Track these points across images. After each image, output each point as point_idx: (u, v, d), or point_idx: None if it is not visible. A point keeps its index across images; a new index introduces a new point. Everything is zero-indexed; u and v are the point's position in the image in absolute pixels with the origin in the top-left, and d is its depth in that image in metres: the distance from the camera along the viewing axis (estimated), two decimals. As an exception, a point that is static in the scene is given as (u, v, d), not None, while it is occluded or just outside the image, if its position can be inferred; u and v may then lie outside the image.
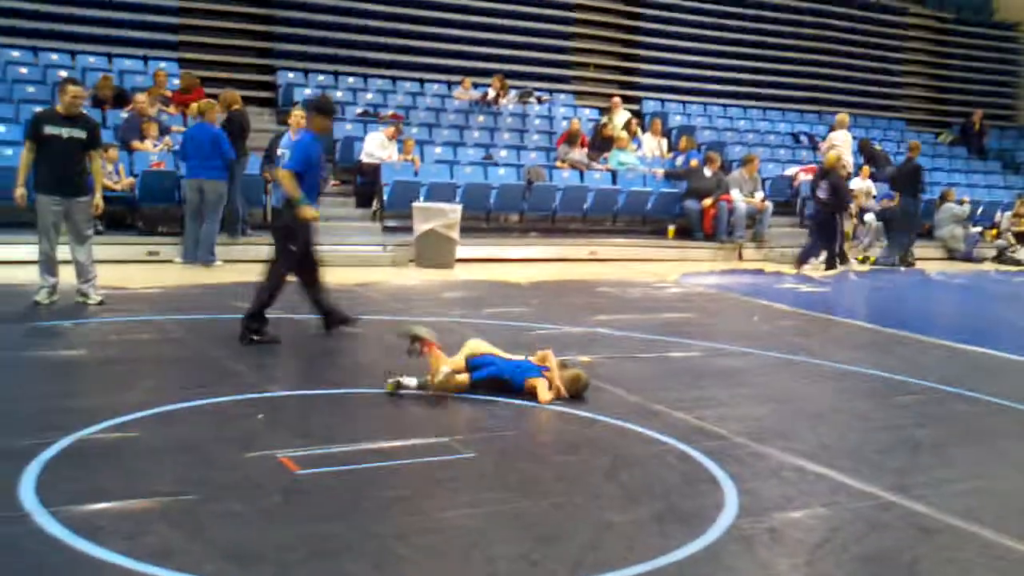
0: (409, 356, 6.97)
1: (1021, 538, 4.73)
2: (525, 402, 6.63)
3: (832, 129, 20.53)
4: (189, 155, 12.85)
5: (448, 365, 6.78)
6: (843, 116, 20.37)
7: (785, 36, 24.73)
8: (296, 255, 8.36)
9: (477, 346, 7.00)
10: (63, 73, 15.51)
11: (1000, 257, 19.77)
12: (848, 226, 17.18)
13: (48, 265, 9.46)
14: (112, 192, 12.44)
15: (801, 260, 16.26)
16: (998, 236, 20.29)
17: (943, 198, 19.85)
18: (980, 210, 20.35)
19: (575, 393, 6.82)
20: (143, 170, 13.74)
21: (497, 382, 6.83)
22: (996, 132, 26.57)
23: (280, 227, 8.49)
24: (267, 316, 8.28)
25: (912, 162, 18.34)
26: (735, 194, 17.74)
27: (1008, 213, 20.50)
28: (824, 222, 16.46)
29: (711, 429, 6.28)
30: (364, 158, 16.00)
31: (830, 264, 16.34)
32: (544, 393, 6.69)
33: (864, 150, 20.85)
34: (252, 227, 13.93)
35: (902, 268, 17.44)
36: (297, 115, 12.83)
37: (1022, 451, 6.32)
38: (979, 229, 20.10)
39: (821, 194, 16.56)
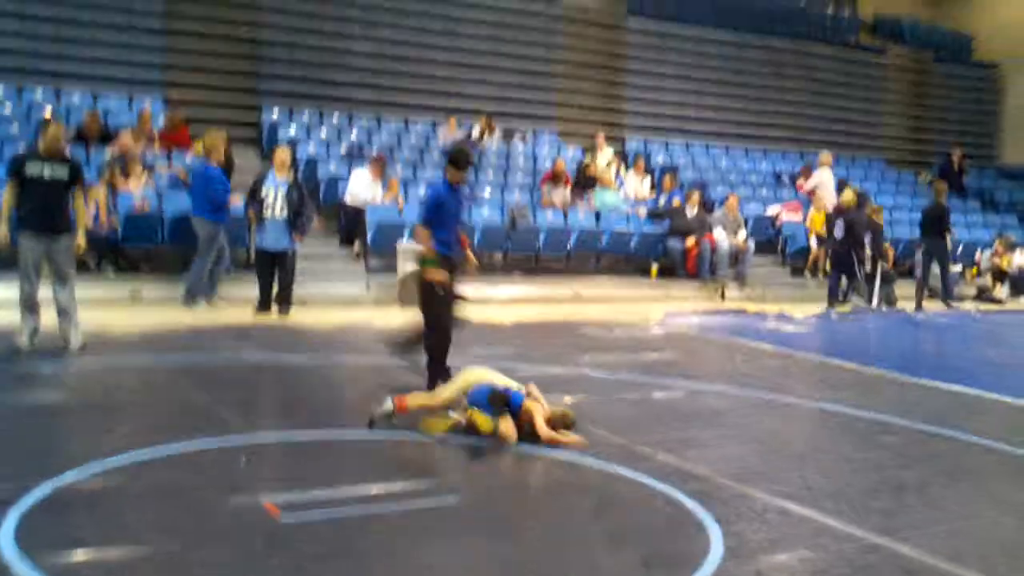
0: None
1: (1005, 581, 4.74)
2: (506, 448, 6.61)
3: (807, 174, 20.71)
4: (191, 192, 13.00)
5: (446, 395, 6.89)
6: (826, 155, 20.62)
7: (767, 76, 24.98)
8: (446, 301, 8.26)
9: (475, 375, 6.98)
10: (48, 111, 15.54)
11: (980, 296, 19.88)
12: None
13: (30, 306, 9.40)
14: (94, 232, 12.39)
15: (831, 299, 16.92)
16: (978, 275, 20.43)
17: None
18: (960, 249, 20.46)
19: (564, 426, 6.83)
20: (126, 211, 13.72)
21: (498, 397, 6.81)
22: (976, 171, 26.85)
23: (422, 283, 8.32)
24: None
25: (940, 204, 18.47)
26: (718, 233, 17.84)
27: (988, 252, 20.64)
28: (841, 259, 17.01)
29: (696, 471, 6.28)
30: (348, 198, 16.02)
31: (869, 299, 17.11)
32: (539, 417, 6.69)
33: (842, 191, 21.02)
34: (236, 266, 13.90)
35: (884, 308, 17.50)
36: (281, 153, 12.83)
37: (1006, 491, 6.33)
38: (960, 268, 20.21)
39: (837, 233, 17.02)
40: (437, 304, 8.18)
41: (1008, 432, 7.90)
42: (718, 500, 5.69)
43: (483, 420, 6.63)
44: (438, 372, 8.09)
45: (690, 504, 5.58)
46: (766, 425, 7.86)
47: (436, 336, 8.21)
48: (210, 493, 5.39)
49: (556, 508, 5.53)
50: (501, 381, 6.97)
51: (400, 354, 8.80)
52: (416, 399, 6.92)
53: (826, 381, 10.22)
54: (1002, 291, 19.93)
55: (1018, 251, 21.15)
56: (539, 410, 6.75)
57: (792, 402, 8.77)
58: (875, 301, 17.37)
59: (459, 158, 8.39)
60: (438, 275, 8.09)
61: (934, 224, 18.21)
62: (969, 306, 18.61)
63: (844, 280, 17.32)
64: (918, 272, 18.09)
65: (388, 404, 6.76)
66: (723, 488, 5.97)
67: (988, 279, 20.21)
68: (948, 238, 18.30)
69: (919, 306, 17.55)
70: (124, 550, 4.54)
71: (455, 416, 6.85)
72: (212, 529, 4.86)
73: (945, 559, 4.95)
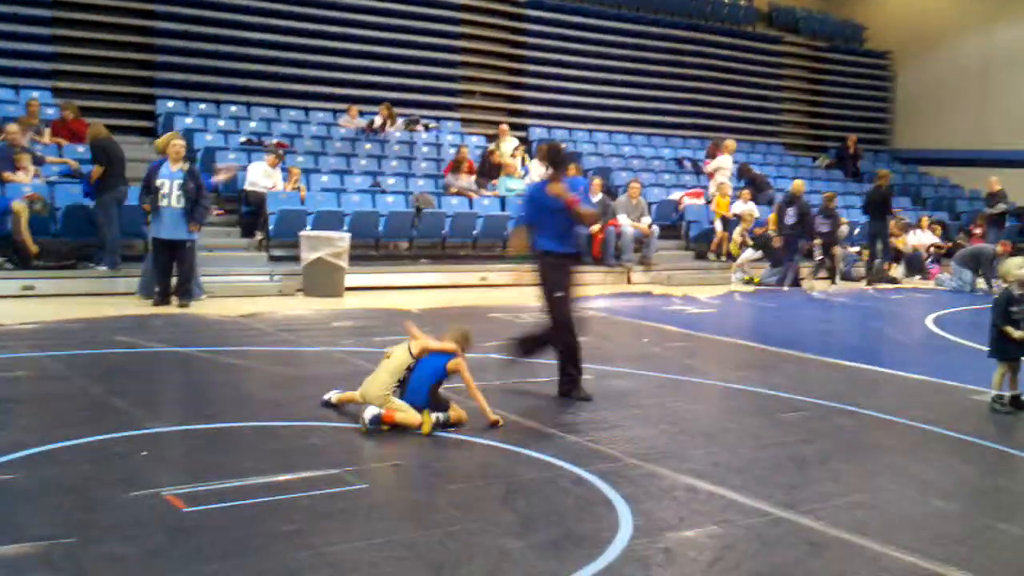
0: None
1: (907, 549, 4.84)
2: (416, 429, 6.55)
3: (713, 153, 21.14)
4: None
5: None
6: (731, 142, 21.09)
7: (667, 64, 25.29)
8: (565, 298, 8.02)
9: (379, 385, 6.85)
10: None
11: (876, 276, 20.40)
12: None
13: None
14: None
15: (781, 283, 18.02)
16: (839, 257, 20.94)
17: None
18: (856, 231, 20.98)
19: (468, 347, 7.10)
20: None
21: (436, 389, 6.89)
22: (871, 156, 27.58)
23: (539, 281, 8.05)
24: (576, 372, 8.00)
25: (882, 188, 19.90)
26: (622, 219, 17.99)
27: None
28: (788, 245, 18.17)
29: (604, 451, 6.31)
30: (248, 187, 15.75)
31: (791, 283, 18.11)
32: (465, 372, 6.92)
33: (745, 174, 21.48)
34: (129, 259, 13.55)
35: (785, 288, 17.86)
36: (176, 144, 12.52)
37: (905, 464, 6.49)
38: (856, 249, 20.71)
39: (788, 220, 18.09)
40: (557, 303, 7.95)
41: (904, 407, 8.11)
42: (627, 479, 5.73)
43: (428, 420, 6.60)
44: (572, 374, 7.91)
45: (599, 484, 5.61)
46: (673, 405, 7.93)
47: (562, 335, 7.97)
48: (109, 487, 5.23)
49: (466, 492, 5.49)
50: (395, 367, 6.85)
51: (517, 355, 8.39)
52: (400, 415, 6.70)
53: (730, 360, 10.38)
54: (898, 271, 20.47)
55: (912, 232, 21.77)
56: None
57: (698, 382, 8.88)
58: (837, 280, 18.94)
59: (551, 156, 8.20)
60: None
61: (878, 207, 19.64)
62: (866, 286, 19.12)
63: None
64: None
65: (374, 411, 6.58)
66: (632, 468, 6.01)
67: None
68: (889, 219, 19.89)
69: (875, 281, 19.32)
70: (19, 546, 4.38)
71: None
72: (112, 523, 4.71)
73: (848, 531, 5.05)
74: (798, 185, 18.72)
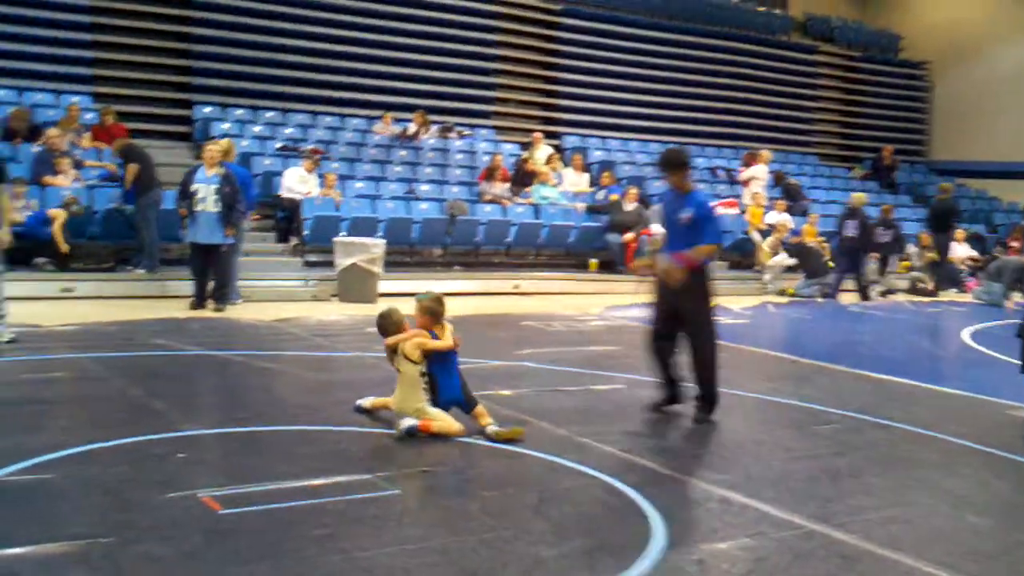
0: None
1: (941, 564, 4.81)
2: (448, 439, 6.58)
3: (749, 163, 21.10)
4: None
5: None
6: (766, 152, 21.10)
7: (701, 73, 25.27)
8: (714, 317, 7.72)
9: (415, 398, 6.84)
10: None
11: (913, 288, 20.28)
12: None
13: (-43, 303, 9.20)
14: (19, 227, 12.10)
15: (830, 295, 18.00)
16: (910, 268, 20.84)
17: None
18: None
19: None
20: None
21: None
22: (907, 167, 27.38)
23: (689, 297, 7.59)
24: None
25: (946, 202, 20.26)
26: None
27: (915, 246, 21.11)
28: (850, 257, 18.32)
29: (637, 462, 6.31)
30: (284, 193, 15.88)
31: (863, 295, 18.14)
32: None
33: (782, 184, 21.45)
34: (167, 262, 13.71)
35: (820, 300, 17.79)
36: (212, 149, 12.67)
37: (939, 479, 6.44)
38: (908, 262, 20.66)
39: (850, 232, 18.18)
40: (713, 320, 7.69)
41: (939, 421, 8.05)
42: (660, 490, 5.72)
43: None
44: (714, 393, 7.65)
45: (632, 494, 5.60)
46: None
47: (714, 352, 7.68)
48: (146, 488, 5.29)
49: (498, 499, 5.51)
50: (411, 379, 6.82)
51: (708, 411, 7.72)
52: (437, 425, 6.69)
53: (763, 372, 10.34)
54: (932, 283, 20.34)
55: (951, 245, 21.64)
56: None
57: (731, 393, 8.84)
58: (873, 294, 18.82)
59: (665, 161, 7.91)
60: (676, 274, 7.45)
61: (941, 220, 19.99)
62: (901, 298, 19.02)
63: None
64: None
65: (410, 422, 6.58)
66: (665, 479, 6.01)
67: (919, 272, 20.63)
68: (952, 233, 20.26)
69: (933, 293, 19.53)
70: (60, 546, 4.43)
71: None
72: (149, 523, 4.77)
73: (881, 545, 5.02)
74: (860, 198, 18.88)
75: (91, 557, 4.33)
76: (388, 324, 6.98)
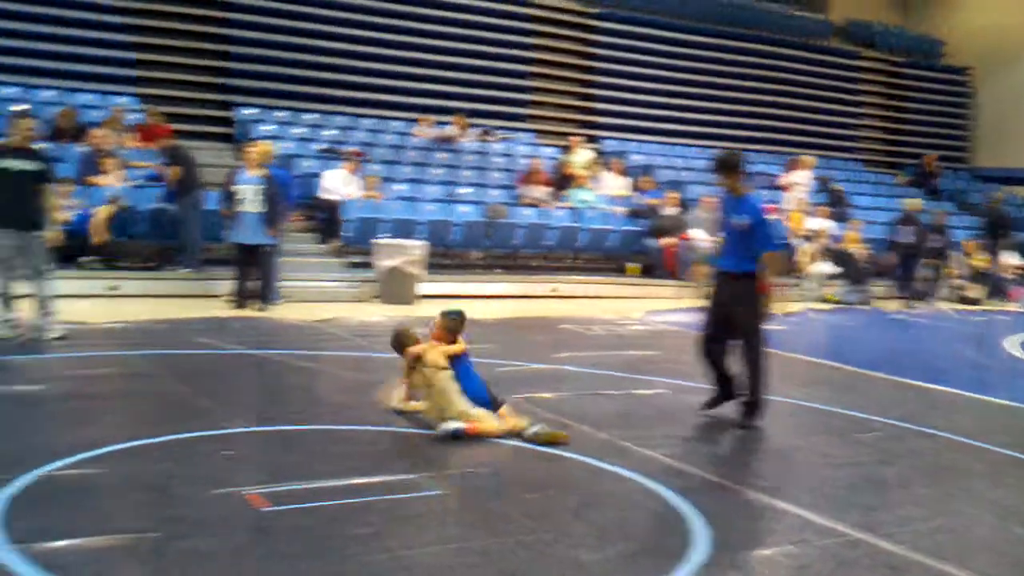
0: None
1: (985, 575, 4.77)
2: (491, 437, 6.59)
3: (792, 168, 20.99)
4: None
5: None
6: (809, 158, 21.00)
7: (741, 77, 25.16)
8: (766, 324, 7.59)
9: (453, 394, 6.86)
10: (18, 107, 15.40)
11: (957, 296, 20.08)
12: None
13: (5, 300, 9.34)
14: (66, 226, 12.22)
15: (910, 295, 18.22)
16: (954, 276, 20.63)
17: None
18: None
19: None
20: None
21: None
22: (950, 174, 27.10)
23: (742, 304, 7.54)
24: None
25: (997, 209, 20.56)
26: (695, 233, 17.90)
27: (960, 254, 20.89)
28: (903, 263, 18.46)
29: (679, 467, 6.29)
30: (324, 194, 15.98)
31: (913, 302, 18.24)
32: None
33: (828, 189, 21.38)
34: (209, 263, 13.84)
35: (862, 307, 17.66)
36: (252, 151, 12.80)
37: (983, 489, 6.38)
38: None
39: (905, 238, 18.36)
40: (762, 326, 7.57)
41: (984, 431, 7.97)
42: (702, 496, 5.70)
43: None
44: (760, 399, 7.57)
45: (674, 500, 5.59)
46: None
47: (763, 359, 7.60)
48: (193, 484, 5.35)
49: (539, 502, 5.52)
50: (445, 386, 6.85)
51: (752, 418, 7.63)
52: (483, 426, 6.72)
53: (804, 379, 10.27)
54: (976, 290, 20.13)
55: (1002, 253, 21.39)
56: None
57: (773, 399, 8.79)
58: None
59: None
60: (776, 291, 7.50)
61: (994, 227, 20.17)
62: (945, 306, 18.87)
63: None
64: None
65: (456, 425, 6.59)
66: (707, 484, 5.99)
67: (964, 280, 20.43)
68: (1003, 241, 20.36)
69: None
70: (108, 539, 4.50)
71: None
72: (195, 519, 4.82)
73: (926, 555, 4.98)
74: (915, 203, 19.02)
75: (139, 551, 4.39)
76: (406, 340, 7.03)
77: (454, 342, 7.06)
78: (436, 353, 6.89)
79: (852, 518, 5.47)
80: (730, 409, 7.76)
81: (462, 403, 6.73)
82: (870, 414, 8.30)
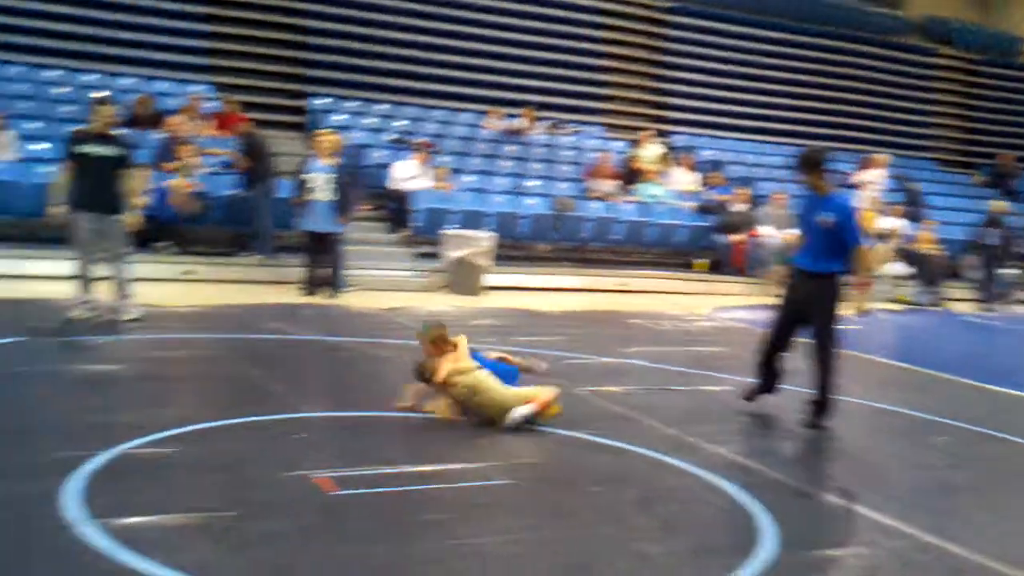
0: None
1: (1060, 582, 4.70)
2: (558, 429, 6.62)
3: (866, 167, 20.71)
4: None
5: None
6: (882, 157, 20.71)
7: (814, 74, 24.83)
8: (840, 324, 7.52)
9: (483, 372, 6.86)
10: (99, 94, 15.75)
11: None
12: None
13: (84, 282, 9.57)
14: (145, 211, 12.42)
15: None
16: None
17: None
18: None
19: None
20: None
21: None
22: (1027, 173, 26.51)
23: (819, 302, 7.44)
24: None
25: None
26: (765, 229, 17.75)
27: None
28: (987, 265, 18.51)
29: (745, 464, 6.27)
30: (394, 184, 16.10)
31: (995, 301, 18.27)
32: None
33: (906, 187, 21.09)
34: (281, 250, 14.03)
35: (934, 309, 17.40)
36: (325, 140, 12.93)
37: (1058, 495, 6.28)
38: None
39: (991, 240, 18.41)
40: (837, 325, 7.49)
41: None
42: (769, 493, 5.66)
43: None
44: (829, 399, 7.46)
45: (741, 496, 5.56)
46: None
47: (836, 358, 7.50)
48: (265, 465, 5.46)
49: (606, 494, 5.54)
50: (490, 382, 6.78)
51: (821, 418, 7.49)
52: (542, 397, 6.75)
53: (874, 379, 10.14)
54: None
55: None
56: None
57: (843, 399, 8.71)
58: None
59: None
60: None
61: None
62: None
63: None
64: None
65: (525, 410, 6.60)
66: (775, 482, 5.96)
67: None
68: None
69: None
70: (182, 516, 4.61)
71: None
72: (267, 500, 4.92)
73: (996, 560, 4.91)
74: (1001, 206, 18.82)
75: (212, 529, 4.49)
76: (425, 372, 6.81)
77: (449, 346, 6.86)
78: (456, 366, 6.73)
79: (921, 521, 5.40)
80: (793, 407, 7.68)
81: (508, 391, 6.73)
82: (942, 417, 8.18)
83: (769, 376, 7.73)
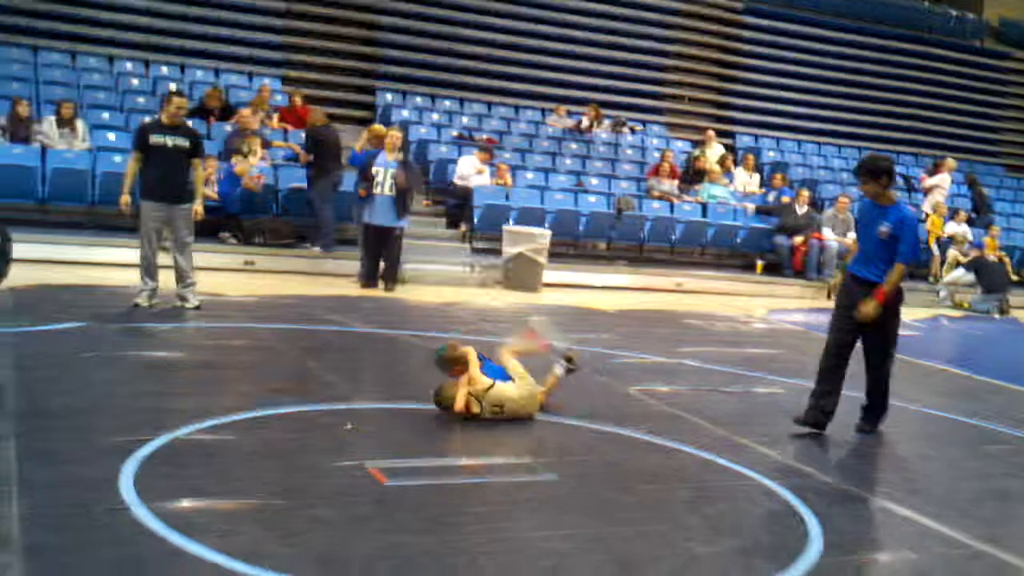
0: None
1: (1115, 596, 4.62)
2: (607, 427, 6.63)
3: (935, 171, 20.41)
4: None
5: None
6: (951, 161, 20.39)
7: (884, 76, 24.53)
8: (898, 332, 7.36)
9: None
10: (172, 86, 16.06)
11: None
12: None
13: (149, 269, 9.74)
14: (210, 202, 12.60)
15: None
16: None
17: None
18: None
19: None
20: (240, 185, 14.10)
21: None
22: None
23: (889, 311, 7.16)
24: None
25: None
26: (827, 232, 17.56)
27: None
28: None
29: (796, 466, 6.23)
30: (457, 180, 16.19)
31: None
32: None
33: (975, 189, 20.78)
34: (342, 243, 14.18)
35: (997, 316, 17.08)
36: (393, 135, 13.05)
37: (1118, 508, 6.15)
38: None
39: None
40: (895, 333, 7.34)
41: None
42: (820, 496, 5.64)
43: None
44: (884, 405, 7.40)
45: (791, 499, 5.54)
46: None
47: (891, 366, 7.38)
48: (318, 454, 5.54)
49: (654, 492, 5.54)
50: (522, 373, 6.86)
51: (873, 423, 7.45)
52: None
53: (933, 386, 10.01)
54: None
55: None
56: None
57: (897, 405, 8.59)
58: None
59: (861, 167, 7.36)
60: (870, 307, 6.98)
61: None
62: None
63: None
64: None
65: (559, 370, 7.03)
66: (825, 485, 5.92)
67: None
68: None
69: None
70: (235, 502, 4.70)
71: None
72: (319, 489, 4.99)
73: (1051, 570, 4.85)
74: None
75: (264, 515, 4.57)
76: (445, 400, 6.63)
77: (462, 371, 6.68)
78: (473, 389, 6.60)
79: (976, 529, 5.34)
80: (847, 412, 7.59)
81: (527, 388, 6.76)
82: (1001, 426, 8.06)
83: (829, 397, 7.18)
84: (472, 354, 6.73)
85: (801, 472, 6.12)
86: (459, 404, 6.49)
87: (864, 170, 7.29)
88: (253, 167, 13.95)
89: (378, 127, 13.97)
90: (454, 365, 6.69)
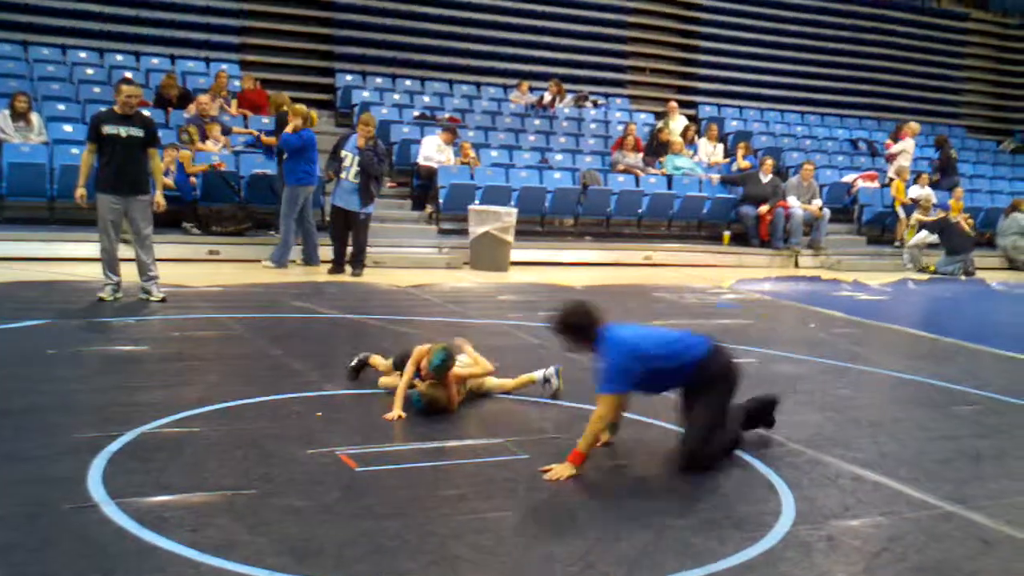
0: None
1: (1084, 551, 4.67)
2: (580, 404, 6.62)
3: (897, 135, 20.53)
4: (313, 160, 13.01)
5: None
6: (914, 125, 20.49)
7: (844, 40, 24.59)
8: None
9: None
10: (128, 74, 15.85)
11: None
12: None
13: (111, 263, 9.63)
14: (169, 191, 12.40)
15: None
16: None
17: (1014, 207, 19.57)
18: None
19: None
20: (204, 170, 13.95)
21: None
22: (1061, 140, 26.18)
23: None
24: None
25: None
26: (792, 200, 17.63)
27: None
28: None
29: (767, 435, 6.25)
30: (421, 161, 16.10)
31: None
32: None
33: (944, 151, 20.92)
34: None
35: (962, 278, 17.23)
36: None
37: (1085, 464, 6.22)
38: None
39: None
40: None
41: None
42: (790, 465, 5.68)
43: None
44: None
45: (762, 468, 5.58)
46: (839, 392, 7.79)
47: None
48: (287, 443, 5.50)
49: (627, 468, 5.56)
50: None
51: None
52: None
53: (900, 349, 10.10)
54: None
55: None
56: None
57: (866, 370, 8.68)
58: None
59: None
60: None
61: None
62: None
63: None
64: None
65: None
66: (796, 453, 5.95)
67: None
68: None
69: None
70: (205, 495, 4.66)
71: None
72: (289, 477, 4.96)
73: (1020, 528, 4.89)
74: None
75: (235, 506, 4.54)
76: (440, 403, 6.43)
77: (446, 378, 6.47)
78: (474, 383, 6.83)
79: (945, 491, 5.39)
80: (823, 380, 7.65)
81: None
82: (968, 387, 8.13)
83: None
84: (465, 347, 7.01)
85: (773, 440, 6.15)
86: (455, 400, 6.49)
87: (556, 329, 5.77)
88: (194, 155, 13.78)
89: (299, 106, 13.55)
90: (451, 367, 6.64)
